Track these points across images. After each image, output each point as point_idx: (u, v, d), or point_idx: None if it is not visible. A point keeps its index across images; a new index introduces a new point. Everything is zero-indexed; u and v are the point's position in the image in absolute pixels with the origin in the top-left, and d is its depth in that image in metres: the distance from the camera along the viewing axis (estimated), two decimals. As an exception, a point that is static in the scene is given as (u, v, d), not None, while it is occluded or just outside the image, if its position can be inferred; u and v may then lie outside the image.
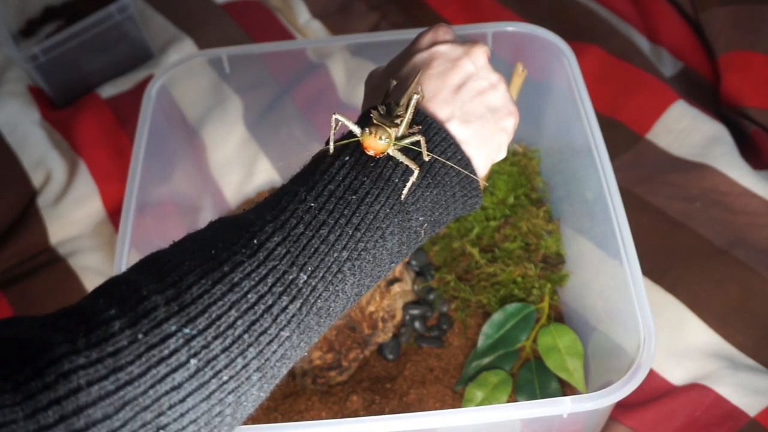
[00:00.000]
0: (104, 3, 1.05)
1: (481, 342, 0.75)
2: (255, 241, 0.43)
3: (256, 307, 0.41)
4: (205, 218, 0.89)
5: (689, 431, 0.71)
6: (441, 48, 0.53)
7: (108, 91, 1.03)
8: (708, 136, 0.90)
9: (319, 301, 0.44)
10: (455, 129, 0.50)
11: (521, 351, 0.75)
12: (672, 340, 0.76)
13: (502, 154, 0.54)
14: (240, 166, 0.94)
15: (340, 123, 0.49)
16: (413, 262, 0.80)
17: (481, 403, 0.71)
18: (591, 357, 0.71)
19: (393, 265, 0.49)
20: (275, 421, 0.72)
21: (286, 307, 0.42)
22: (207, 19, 1.09)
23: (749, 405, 0.71)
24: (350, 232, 0.45)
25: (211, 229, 0.45)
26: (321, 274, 0.44)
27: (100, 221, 0.93)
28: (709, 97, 0.99)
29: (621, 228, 0.64)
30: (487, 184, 0.85)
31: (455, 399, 0.73)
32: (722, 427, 0.70)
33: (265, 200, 0.46)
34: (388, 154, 0.47)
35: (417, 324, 0.77)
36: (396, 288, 0.74)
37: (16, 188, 0.95)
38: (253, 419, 0.73)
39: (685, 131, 0.92)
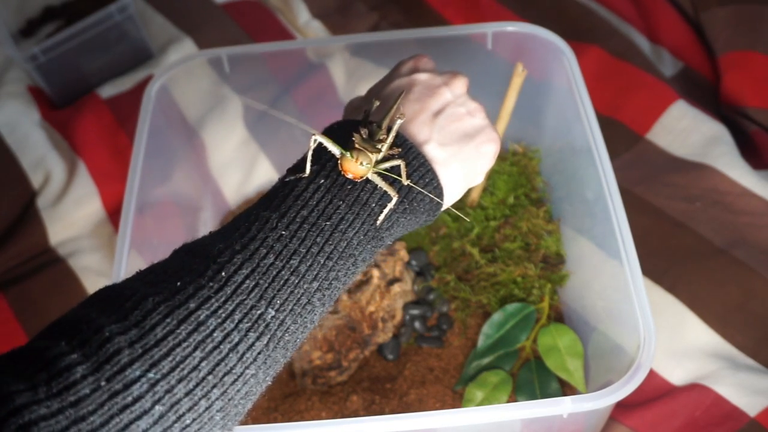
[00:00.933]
0: (104, 3, 1.05)
1: (481, 342, 0.75)
2: (223, 274, 0.41)
3: (221, 346, 0.40)
4: (205, 218, 0.89)
5: (689, 431, 0.71)
6: (421, 76, 0.54)
7: (108, 91, 1.03)
8: (708, 136, 0.90)
9: (286, 335, 0.43)
10: (433, 151, 0.50)
11: (521, 351, 0.75)
12: (672, 340, 0.76)
13: (480, 179, 0.55)
14: (240, 166, 0.94)
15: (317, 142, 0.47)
16: (413, 262, 0.80)
17: (481, 403, 0.71)
18: (591, 357, 0.71)
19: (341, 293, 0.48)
20: (275, 421, 0.72)
21: (252, 344, 0.41)
22: (207, 19, 1.09)
23: (749, 405, 0.71)
24: (322, 261, 0.44)
25: (177, 258, 0.43)
26: (290, 307, 0.42)
27: (100, 221, 0.93)
28: (709, 97, 0.99)
29: (621, 228, 0.64)
30: (486, 187, 0.85)
31: (455, 399, 0.73)
32: (722, 428, 0.70)
33: (234, 224, 0.45)
34: (366, 178, 0.46)
35: (417, 324, 0.77)
36: (396, 288, 0.74)
37: (16, 189, 0.95)
38: (253, 419, 0.73)
39: (685, 131, 0.92)
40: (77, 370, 0.36)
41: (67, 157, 0.97)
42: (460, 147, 0.52)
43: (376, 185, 0.46)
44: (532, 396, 0.71)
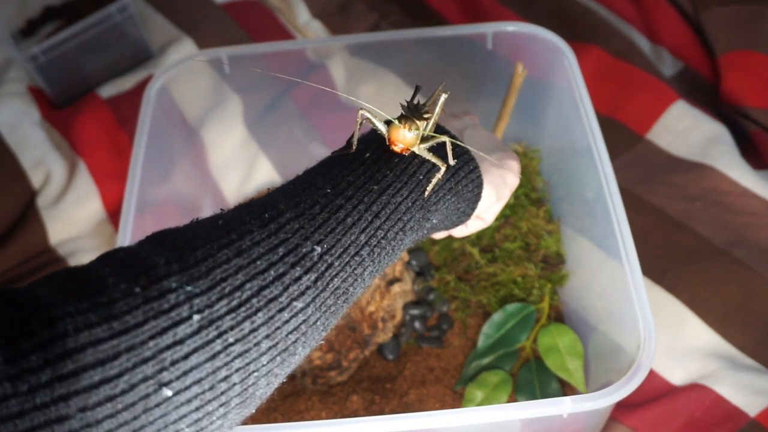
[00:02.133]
0: (104, 3, 1.05)
1: (481, 342, 0.75)
2: (266, 215, 0.42)
3: (265, 274, 0.40)
4: (205, 218, 0.89)
5: (689, 431, 0.71)
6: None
7: (108, 91, 1.03)
8: (708, 136, 0.90)
9: (336, 279, 0.43)
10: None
11: (521, 351, 0.75)
12: (672, 340, 0.76)
13: (506, 194, 0.56)
14: (240, 166, 0.94)
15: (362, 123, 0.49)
16: (413, 262, 0.79)
17: (481, 403, 0.71)
18: (591, 357, 0.71)
19: (394, 262, 0.49)
20: (275, 421, 0.72)
21: (299, 278, 0.41)
22: (207, 19, 1.09)
23: (749, 405, 0.71)
24: (370, 219, 0.45)
25: (222, 212, 0.44)
26: (338, 253, 0.43)
27: (100, 221, 0.93)
28: (709, 97, 0.99)
29: (621, 228, 0.64)
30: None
31: (455, 399, 0.73)
32: (722, 428, 0.70)
33: (279, 187, 0.46)
34: (412, 152, 0.47)
35: (417, 324, 0.77)
36: (396, 288, 0.74)
37: (16, 189, 0.95)
38: (253, 419, 0.73)
39: (685, 131, 0.92)
40: (108, 279, 0.37)
41: (67, 156, 0.97)
42: (486, 153, 0.54)
43: (423, 160, 0.48)
44: (532, 396, 0.71)
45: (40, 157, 0.97)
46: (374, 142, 0.49)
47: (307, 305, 0.41)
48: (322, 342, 0.46)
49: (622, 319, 0.62)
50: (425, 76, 0.89)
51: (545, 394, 0.71)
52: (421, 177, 0.48)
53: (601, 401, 0.55)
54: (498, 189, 0.55)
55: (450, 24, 1.08)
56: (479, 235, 0.82)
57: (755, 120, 0.93)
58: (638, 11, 1.08)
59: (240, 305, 0.39)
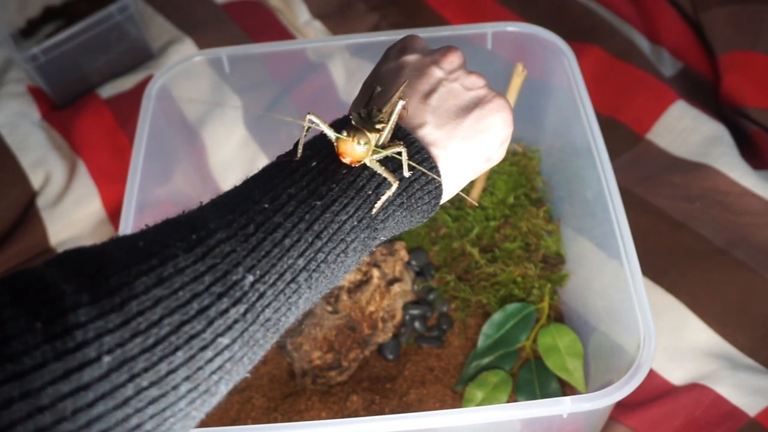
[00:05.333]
0: (104, 3, 1.05)
1: (481, 342, 0.75)
2: (194, 236, 0.37)
3: (188, 307, 0.35)
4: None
5: (689, 431, 0.71)
6: (409, 57, 0.52)
7: (108, 91, 1.03)
8: (708, 136, 0.90)
9: (267, 310, 0.39)
10: (429, 135, 0.47)
11: (521, 351, 0.75)
12: (672, 340, 0.76)
13: (498, 156, 0.51)
14: (240, 166, 0.94)
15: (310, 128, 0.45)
16: (413, 262, 0.79)
17: (481, 403, 0.71)
18: (591, 357, 0.71)
19: (332, 286, 0.44)
20: (275, 421, 0.72)
21: (226, 311, 0.37)
22: (207, 20, 1.09)
23: (749, 405, 0.71)
24: (310, 240, 0.40)
25: (146, 228, 0.40)
26: (272, 280, 0.39)
27: (100, 222, 0.93)
28: (709, 97, 0.99)
29: (621, 228, 0.64)
30: (486, 186, 0.85)
31: (455, 399, 0.73)
32: (722, 427, 0.70)
33: (212, 200, 0.42)
34: (363, 163, 0.43)
35: (417, 324, 0.77)
36: (396, 288, 0.74)
37: (16, 189, 0.95)
38: (253, 419, 0.73)
39: (685, 131, 0.92)
40: (6, 311, 0.33)
41: (67, 157, 0.97)
42: (458, 123, 0.48)
43: (374, 173, 0.44)
44: (532, 396, 0.71)
45: (40, 157, 0.97)
46: (323, 149, 0.44)
47: (234, 341, 0.37)
48: (247, 375, 0.41)
49: (622, 319, 0.62)
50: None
51: (545, 394, 0.71)
52: (370, 192, 0.43)
53: (600, 401, 0.55)
54: (478, 157, 0.50)
55: (450, 24, 1.08)
56: (479, 235, 0.82)
57: (755, 120, 0.93)
58: (638, 11, 1.08)
59: (157, 343, 0.34)
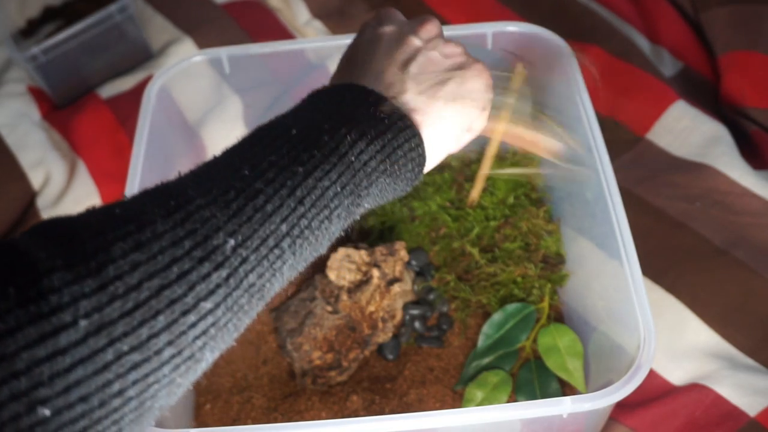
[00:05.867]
0: (104, 3, 1.05)
1: (481, 342, 0.75)
2: (172, 203, 0.37)
3: (168, 271, 0.35)
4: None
5: (689, 431, 0.71)
6: (386, 28, 0.52)
7: (108, 91, 1.03)
8: (708, 136, 0.90)
9: (251, 275, 0.38)
10: (410, 101, 0.48)
11: (521, 351, 0.75)
12: (672, 340, 0.76)
13: (479, 124, 0.51)
14: (240, 166, 0.93)
15: None
16: (413, 262, 0.79)
17: (481, 403, 0.71)
18: (591, 357, 0.71)
19: (317, 255, 0.44)
20: (275, 421, 0.72)
21: (208, 275, 0.36)
22: (207, 19, 1.09)
23: (749, 405, 0.71)
24: (293, 205, 0.40)
25: (123, 198, 0.39)
26: (254, 245, 0.38)
27: (100, 221, 0.93)
28: (709, 97, 0.99)
29: (621, 228, 0.64)
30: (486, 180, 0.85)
31: (455, 399, 0.73)
32: (722, 428, 0.70)
33: (191, 170, 0.42)
34: (344, 130, 0.43)
35: (417, 324, 0.77)
36: (396, 288, 0.74)
37: (16, 189, 0.95)
38: (252, 419, 0.73)
39: (685, 131, 0.92)
40: None
41: (67, 157, 0.97)
42: (438, 89, 0.49)
43: (356, 139, 0.43)
44: (532, 396, 0.71)
45: (40, 157, 0.97)
46: (303, 117, 0.44)
47: (217, 306, 0.37)
48: (234, 344, 0.41)
49: (622, 319, 0.62)
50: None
51: (545, 394, 0.71)
52: (353, 158, 0.43)
53: (601, 401, 0.55)
54: (461, 124, 0.50)
55: (450, 24, 1.08)
56: (479, 235, 0.82)
57: (755, 120, 0.93)
58: (638, 11, 1.08)
59: (136, 307, 0.34)
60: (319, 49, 0.94)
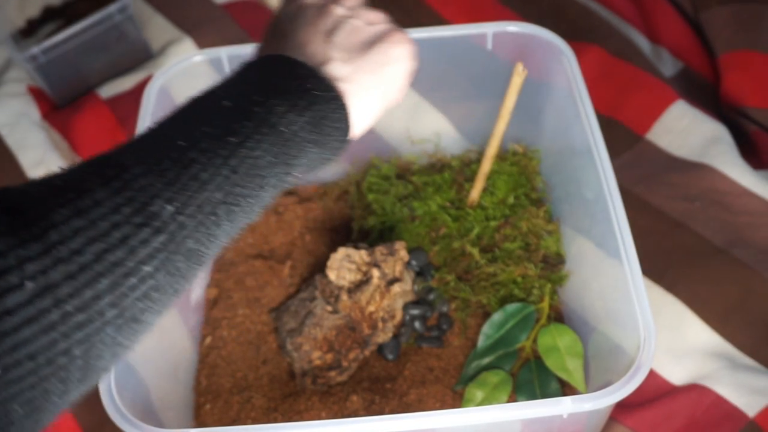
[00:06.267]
0: (104, 3, 1.05)
1: (481, 342, 0.75)
2: (109, 172, 0.38)
3: (109, 236, 0.36)
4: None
5: (689, 431, 0.71)
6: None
7: (108, 91, 1.03)
8: (708, 136, 0.90)
9: (189, 240, 0.40)
10: (336, 69, 0.49)
11: (521, 351, 0.75)
12: (672, 340, 0.76)
13: (398, 83, 0.52)
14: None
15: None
16: (413, 262, 0.80)
17: (481, 403, 0.71)
18: (591, 357, 0.71)
19: (250, 221, 0.45)
20: (275, 421, 0.72)
21: (147, 240, 0.38)
22: (207, 19, 1.09)
23: (749, 405, 0.71)
24: (226, 174, 0.41)
25: (63, 170, 0.40)
26: (191, 212, 0.40)
27: (100, 221, 0.93)
28: (709, 97, 0.99)
29: (621, 228, 0.64)
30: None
31: (455, 399, 0.73)
32: (722, 428, 0.70)
33: (126, 141, 0.42)
34: (274, 101, 0.44)
35: (417, 324, 0.77)
36: (396, 288, 0.74)
37: (16, 189, 0.94)
38: (252, 419, 0.73)
39: (685, 131, 0.92)
40: None
41: (67, 157, 0.97)
42: (363, 57, 0.50)
43: (287, 110, 0.45)
44: (532, 396, 0.71)
45: (40, 157, 0.97)
46: (235, 90, 0.45)
47: (157, 270, 0.38)
48: (175, 297, 0.41)
49: (622, 318, 0.62)
50: (425, 76, 0.89)
51: (545, 394, 0.71)
52: (283, 129, 0.44)
53: (601, 401, 0.55)
54: (385, 91, 0.51)
55: (450, 24, 1.08)
56: (479, 235, 0.82)
57: (755, 120, 0.93)
58: (638, 11, 1.08)
59: (80, 270, 0.35)
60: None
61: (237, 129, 0.43)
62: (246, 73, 0.47)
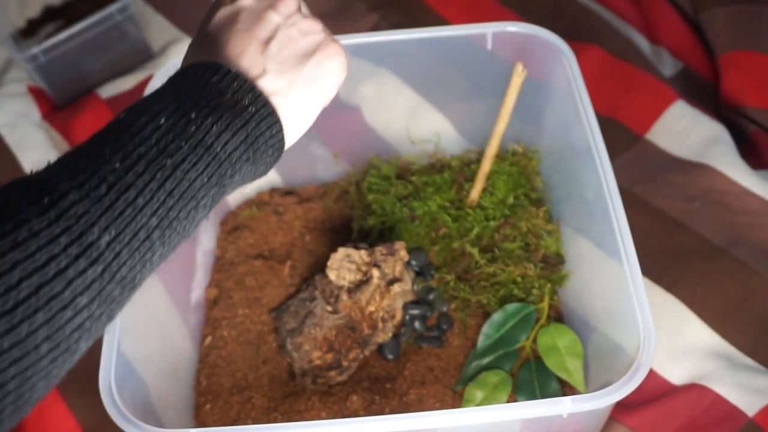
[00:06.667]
0: (104, 3, 1.05)
1: (481, 342, 0.75)
2: (46, 199, 0.38)
3: (46, 269, 0.36)
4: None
5: (689, 431, 0.71)
6: (245, 2, 0.52)
7: (108, 91, 1.03)
8: (707, 136, 0.91)
9: (124, 268, 0.40)
10: (270, 84, 0.48)
11: (521, 351, 0.75)
12: (671, 340, 0.76)
13: (330, 95, 0.52)
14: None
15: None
16: (413, 262, 0.80)
17: (481, 403, 0.71)
18: (591, 357, 0.71)
19: (184, 241, 0.45)
20: (275, 421, 0.72)
21: (84, 271, 0.37)
22: (207, 20, 1.09)
23: (748, 405, 0.71)
24: (162, 198, 0.41)
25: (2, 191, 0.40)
26: (127, 239, 0.39)
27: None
28: (708, 97, 0.99)
29: (621, 228, 0.64)
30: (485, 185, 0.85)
31: (455, 399, 0.73)
32: (722, 427, 0.70)
33: (60, 159, 0.41)
34: (210, 120, 0.44)
35: (417, 324, 0.77)
36: (396, 288, 0.74)
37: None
38: (253, 419, 0.73)
39: (685, 131, 0.92)
40: None
41: (67, 157, 0.97)
42: (298, 70, 0.50)
43: (222, 130, 0.44)
44: (532, 396, 0.71)
45: (41, 157, 0.97)
46: (171, 102, 0.44)
47: (92, 300, 0.38)
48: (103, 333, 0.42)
49: (622, 318, 0.62)
50: (425, 77, 0.89)
51: (545, 394, 0.71)
52: (218, 149, 0.44)
53: (600, 401, 0.55)
54: (319, 100, 0.51)
55: (450, 24, 1.08)
56: (479, 235, 0.82)
57: (754, 120, 0.93)
58: (638, 11, 1.08)
59: (16, 306, 0.35)
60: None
61: (173, 151, 0.42)
62: (183, 83, 0.46)
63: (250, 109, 0.46)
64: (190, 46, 0.54)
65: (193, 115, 0.44)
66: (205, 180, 0.44)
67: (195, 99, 0.45)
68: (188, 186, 0.43)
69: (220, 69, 0.47)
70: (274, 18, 0.51)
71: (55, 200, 0.38)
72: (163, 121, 0.43)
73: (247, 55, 0.49)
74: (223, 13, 0.52)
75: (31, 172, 0.41)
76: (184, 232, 0.44)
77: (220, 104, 0.45)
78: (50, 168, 0.41)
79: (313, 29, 0.52)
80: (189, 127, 0.43)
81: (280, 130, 0.48)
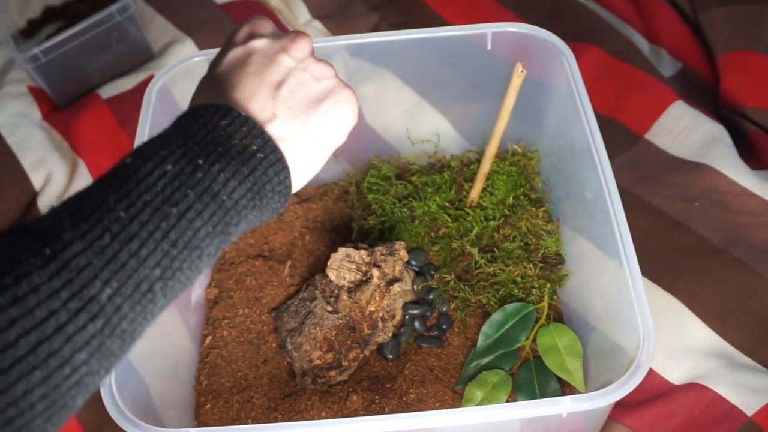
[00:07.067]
0: (105, 4, 1.05)
1: (481, 342, 0.75)
2: (47, 251, 0.36)
3: (45, 325, 0.35)
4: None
5: (688, 431, 0.71)
6: (257, 43, 0.51)
7: (109, 91, 1.03)
8: (707, 136, 0.91)
9: (124, 322, 0.38)
10: (280, 129, 0.48)
11: (521, 351, 0.75)
12: (671, 340, 0.76)
13: (340, 141, 0.52)
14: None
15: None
16: (413, 262, 0.80)
17: (480, 403, 0.71)
18: (590, 357, 0.71)
19: (186, 289, 0.44)
20: (275, 420, 0.72)
21: (84, 326, 0.36)
22: (207, 20, 1.10)
23: (747, 404, 0.71)
24: (166, 248, 0.40)
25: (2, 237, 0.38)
26: (128, 293, 0.38)
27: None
28: (708, 97, 1.00)
29: (620, 228, 0.64)
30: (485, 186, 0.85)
31: (455, 399, 0.73)
32: (721, 427, 0.71)
33: (63, 205, 0.40)
34: (217, 167, 0.43)
35: (417, 324, 0.77)
36: (396, 288, 0.74)
37: (17, 189, 0.95)
38: (253, 419, 0.73)
39: (685, 131, 0.92)
40: None
41: (67, 157, 0.97)
42: (308, 116, 0.49)
43: (229, 178, 0.44)
44: (532, 396, 0.71)
45: (41, 157, 0.97)
46: (177, 148, 0.44)
47: (91, 356, 0.37)
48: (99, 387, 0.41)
49: (622, 318, 0.62)
50: (425, 77, 0.89)
51: (545, 394, 0.71)
52: (225, 197, 0.43)
53: (600, 401, 0.56)
54: (328, 146, 0.50)
55: (450, 24, 1.09)
56: (479, 235, 0.82)
57: (754, 120, 0.93)
58: (637, 12, 1.08)
59: (13, 365, 0.34)
60: (319, 50, 0.94)
61: (178, 199, 0.41)
62: (191, 126, 0.46)
63: (258, 155, 0.45)
64: (200, 84, 0.53)
65: (200, 162, 0.43)
66: (210, 229, 0.43)
67: (202, 144, 0.44)
68: (193, 235, 0.42)
69: (230, 113, 0.46)
70: (286, 61, 0.50)
71: (57, 251, 0.37)
72: (169, 167, 0.42)
73: (258, 99, 0.48)
74: (234, 53, 0.51)
75: (35, 219, 0.40)
76: (187, 281, 0.43)
77: (227, 150, 0.44)
78: (53, 215, 0.39)
79: (325, 74, 0.51)
80: (196, 174, 0.42)
81: (288, 176, 0.47)
